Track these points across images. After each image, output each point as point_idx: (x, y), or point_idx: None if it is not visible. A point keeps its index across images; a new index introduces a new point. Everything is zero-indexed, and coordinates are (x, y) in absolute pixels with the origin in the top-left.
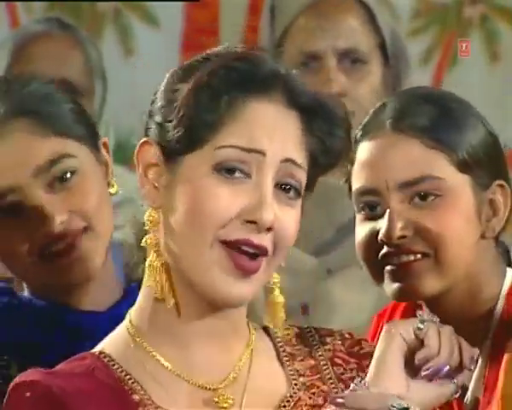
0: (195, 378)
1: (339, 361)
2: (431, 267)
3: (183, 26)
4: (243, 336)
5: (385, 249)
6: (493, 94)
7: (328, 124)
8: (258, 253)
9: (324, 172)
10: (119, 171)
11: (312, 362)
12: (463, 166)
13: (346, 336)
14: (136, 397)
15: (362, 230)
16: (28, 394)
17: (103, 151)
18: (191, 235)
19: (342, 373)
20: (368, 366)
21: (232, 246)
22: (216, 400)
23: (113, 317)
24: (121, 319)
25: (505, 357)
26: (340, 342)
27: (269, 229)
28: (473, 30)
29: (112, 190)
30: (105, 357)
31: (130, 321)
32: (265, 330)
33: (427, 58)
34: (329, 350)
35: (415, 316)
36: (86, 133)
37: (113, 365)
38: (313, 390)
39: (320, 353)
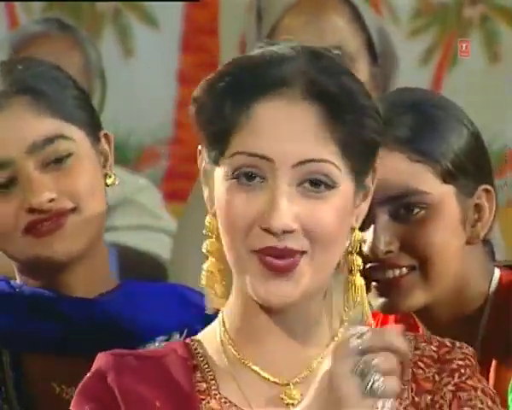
0: (267, 373)
1: (421, 365)
2: (417, 281)
3: (183, 27)
4: (323, 335)
5: (370, 264)
6: (493, 94)
7: (355, 114)
8: (291, 253)
9: (370, 157)
10: (118, 172)
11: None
12: (448, 176)
13: (447, 343)
14: (203, 386)
15: None
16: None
17: (104, 143)
18: (228, 244)
19: (420, 375)
20: (451, 371)
21: (260, 254)
22: (282, 396)
23: (101, 305)
24: (110, 307)
25: (494, 362)
26: (434, 348)
27: (289, 231)
28: (473, 30)
29: (108, 181)
30: (193, 344)
31: (223, 314)
32: None
33: (427, 58)
34: (417, 355)
35: (406, 319)
36: (86, 121)
37: (198, 353)
38: None
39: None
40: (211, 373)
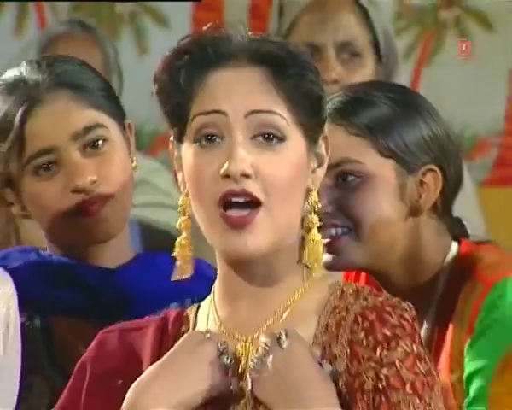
0: (237, 332)
1: (359, 319)
2: (352, 241)
3: (191, 27)
4: (289, 287)
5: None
6: (466, 88)
7: (296, 67)
8: (249, 200)
9: (315, 111)
10: (136, 157)
11: (344, 314)
12: (386, 152)
13: (387, 306)
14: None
15: None
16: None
17: (127, 131)
18: (198, 206)
19: (354, 336)
20: (376, 341)
21: (223, 205)
22: (238, 348)
23: (121, 274)
24: (129, 276)
25: (450, 326)
26: (379, 303)
27: (246, 176)
28: (448, 31)
29: (132, 165)
30: (186, 311)
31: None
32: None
33: (407, 55)
34: (362, 307)
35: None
36: (114, 111)
37: (188, 319)
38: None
39: (353, 309)
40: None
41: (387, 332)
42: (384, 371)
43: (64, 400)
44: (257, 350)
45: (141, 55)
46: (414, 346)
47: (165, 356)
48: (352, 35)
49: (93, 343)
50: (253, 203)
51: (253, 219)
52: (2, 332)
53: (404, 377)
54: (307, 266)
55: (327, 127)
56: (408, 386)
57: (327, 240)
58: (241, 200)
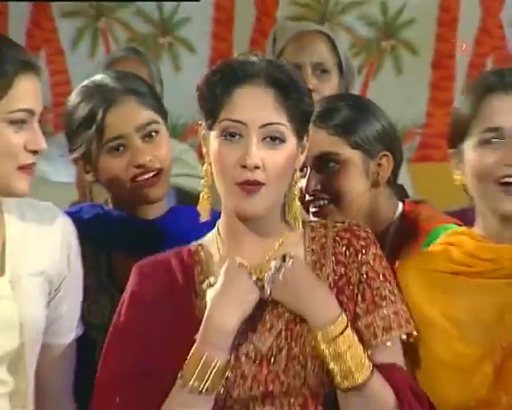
0: (243, 262)
1: (338, 239)
2: (334, 209)
3: (209, 53)
4: (277, 234)
5: (307, 197)
6: (398, 94)
7: (297, 93)
8: (258, 183)
9: (306, 121)
10: (172, 142)
11: (323, 240)
12: (355, 145)
13: (354, 226)
14: (200, 277)
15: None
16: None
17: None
18: (220, 180)
19: (337, 249)
20: (356, 250)
21: (241, 183)
22: (251, 273)
23: (160, 222)
24: (165, 224)
25: (397, 263)
26: (346, 226)
27: (257, 167)
28: (386, 55)
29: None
30: (196, 247)
31: (218, 225)
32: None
33: (359, 72)
34: (335, 231)
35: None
36: (162, 111)
37: (199, 253)
38: (316, 266)
39: (330, 234)
40: (206, 265)
41: (362, 243)
42: (363, 269)
43: (125, 319)
44: (270, 270)
45: (175, 72)
46: (378, 250)
47: (219, 284)
48: (323, 58)
49: (134, 274)
50: (261, 184)
51: (258, 191)
52: (67, 254)
53: (377, 270)
54: (289, 223)
55: (310, 128)
56: (381, 276)
57: (316, 209)
58: (251, 185)
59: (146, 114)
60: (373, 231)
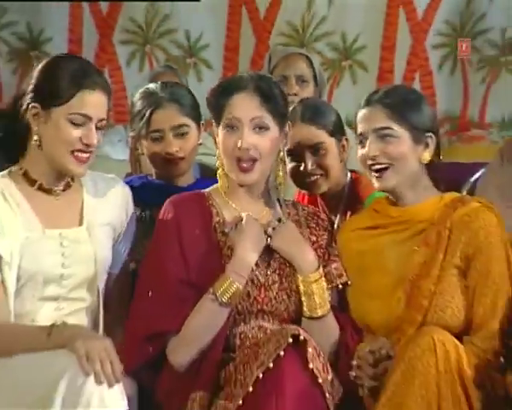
0: (244, 212)
1: (309, 219)
2: (324, 181)
3: (222, 70)
4: (265, 200)
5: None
6: (354, 100)
7: (274, 97)
8: (252, 159)
9: (283, 115)
10: (204, 134)
11: (297, 217)
12: (331, 134)
13: (317, 211)
14: (216, 218)
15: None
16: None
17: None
18: (225, 159)
19: (313, 229)
20: (321, 228)
21: (239, 161)
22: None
23: (189, 189)
24: (192, 190)
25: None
26: (311, 210)
27: (249, 149)
28: (345, 72)
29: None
30: (208, 193)
31: (220, 187)
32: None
33: (327, 82)
34: (305, 213)
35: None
36: (195, 115)
37: (212, 197)
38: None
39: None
40: (219, 208)
41: (325, 223)
42: (325, 240)
43: (163, 237)
44: (270, 226)
45: (198, 83)
46: (332, 229)
47: (242, 230)
48: (303, 72)
49: (168, 204)
50: (253, 160)
51: (253, 168)
52: (125, 210)
53: (330, 240)
54: (277, 188)
55: (300, 126)
56: (332, 243)
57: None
58: (248, 161)
59: (180, 119)
60: (334, 191)
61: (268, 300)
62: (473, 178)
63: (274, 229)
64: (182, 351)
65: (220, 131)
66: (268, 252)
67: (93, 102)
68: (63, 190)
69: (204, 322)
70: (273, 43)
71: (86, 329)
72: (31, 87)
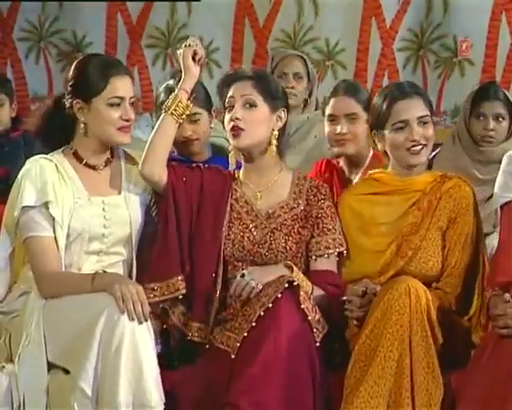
0: (256, 190)
1: (308, 189)
2: (352, 144)
3: (229, 69)
4: (273, 172)
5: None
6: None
7: (264, 82)
8: (239, 128)
9: (275, 99)
10: (215, 121)
11: (301, 187)
12: (365, 109)
13: (320, 184)
14: (237, 191)
15: None
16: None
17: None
18: (227, 132)
19: (310, 200)
20: (318, 200)
21: (231, 128)
22: (257, 195)
23: (204, 163)
24: (207, 164)
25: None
26: (315, 183)
27: (237, 119)
28: (328, 70)
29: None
30: (237, 173)
31: (240, 168)
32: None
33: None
34: (309, 185)
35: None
36: (208, 105)
37: (236, 173)
38: (295, 202)
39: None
40: (239, 183)
41: (323, 196)
42: (321, 211)
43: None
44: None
45: (210, 79)
46: (330, 202)
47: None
48: (299, 70)
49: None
50: (240, 129)
51: (239, 134)
52: (148, 192)
53: (327, 213)
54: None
55: (342, 97)
56: (329, 217)
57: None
58: (236, 128)
59: (193, 109)
60: (360, 160)
61: (259, 255)
62: (431, 155)
63: (243, 276)
64: (149, 157)
65: (226, 112)
66: (261, 215)
67: (123, 85)
68: (105, 166)
69: (159, 133)
70: (270, 47)
71: (122, 276)
72: (69, 88)
